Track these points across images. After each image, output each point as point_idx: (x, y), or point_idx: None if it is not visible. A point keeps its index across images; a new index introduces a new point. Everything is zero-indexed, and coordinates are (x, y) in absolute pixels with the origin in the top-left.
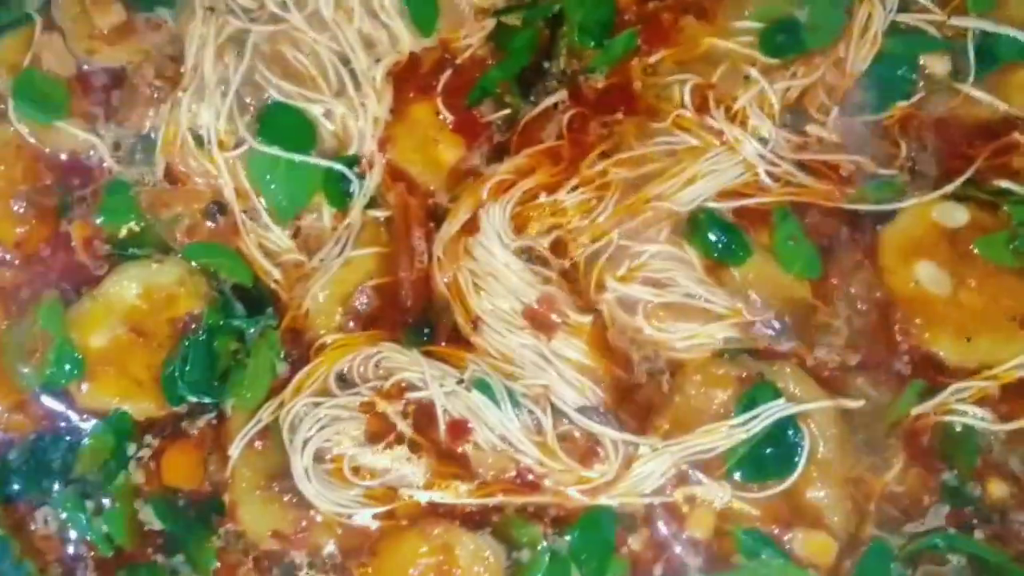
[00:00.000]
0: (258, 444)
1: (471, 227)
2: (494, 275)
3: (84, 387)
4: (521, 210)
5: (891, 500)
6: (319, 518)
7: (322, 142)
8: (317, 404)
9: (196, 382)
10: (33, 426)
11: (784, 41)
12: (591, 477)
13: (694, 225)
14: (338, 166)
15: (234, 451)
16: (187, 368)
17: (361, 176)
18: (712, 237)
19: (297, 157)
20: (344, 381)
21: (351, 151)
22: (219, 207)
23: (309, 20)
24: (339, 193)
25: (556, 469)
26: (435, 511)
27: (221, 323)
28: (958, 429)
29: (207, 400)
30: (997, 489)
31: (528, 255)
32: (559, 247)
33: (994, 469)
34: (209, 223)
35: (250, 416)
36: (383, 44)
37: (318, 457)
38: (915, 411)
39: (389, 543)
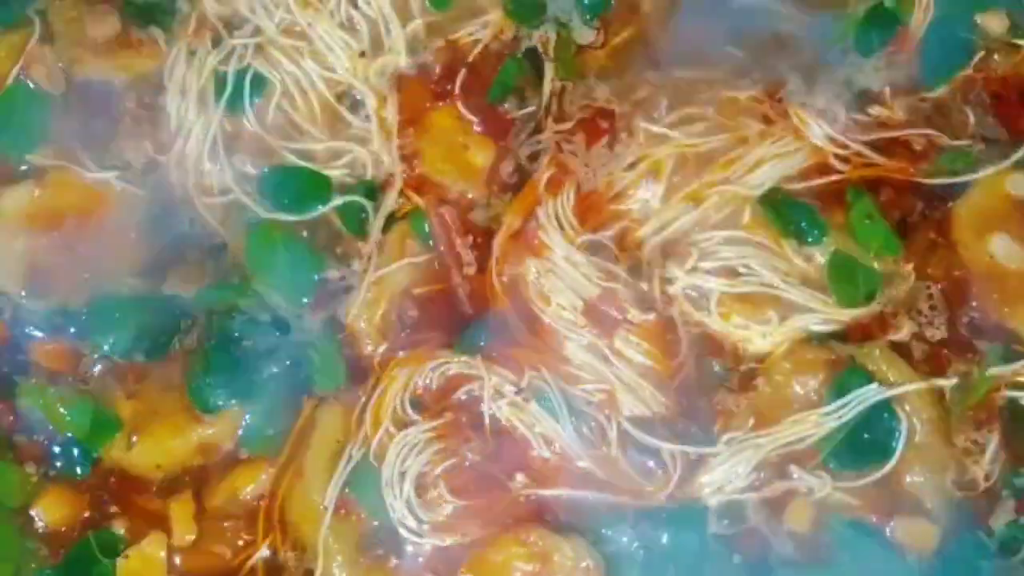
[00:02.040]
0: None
1: (529, 227)
2: (555, 272)
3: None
4: (579, 202)
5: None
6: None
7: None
8: (403, 431)
9: (225, 384)
10: None
11: (879, 32)
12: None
13: (766, 208)
14: (343, 200)
15: (330, 500)
16: (209, 376)
17: (375, 197)
18: (786, 218)
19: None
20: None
21: (368, 174)
22: (218, 244)
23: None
24: (357, 223)
25: (618, 484)
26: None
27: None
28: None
29: (236, 402)
30: None
31: (594, 250)
32: (626, 239)
33: None
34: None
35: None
36: (367, 41)
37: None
38: (991, 371)
39: (481, 552)
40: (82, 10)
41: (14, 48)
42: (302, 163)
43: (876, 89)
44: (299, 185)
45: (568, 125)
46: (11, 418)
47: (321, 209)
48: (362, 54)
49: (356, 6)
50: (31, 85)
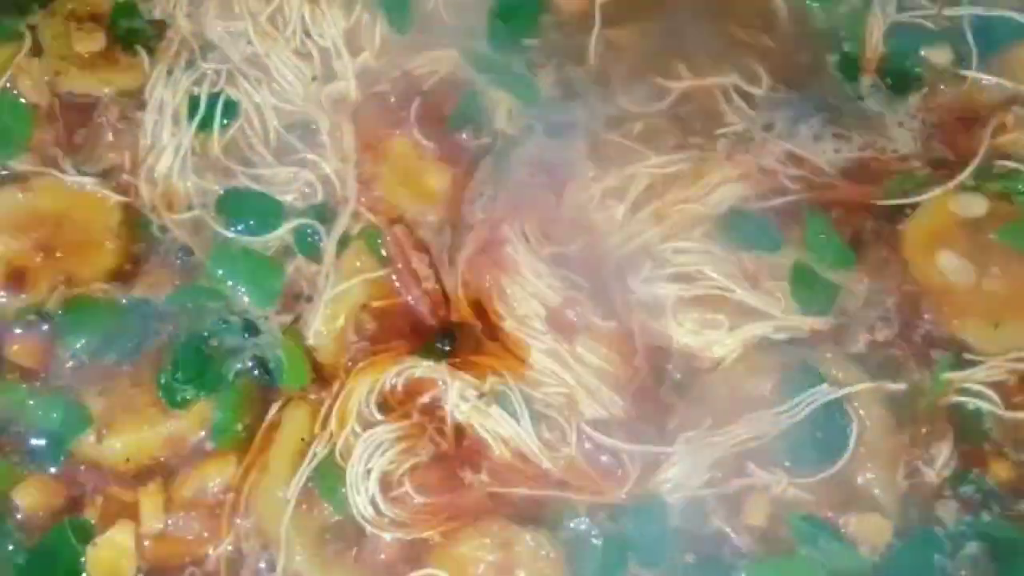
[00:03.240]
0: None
1: (495, 241)
2: (520, 283)
3: (109, 440)
4: (544, 216)
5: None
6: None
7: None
8: (369, 430)
9: (191, 379)
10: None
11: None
12: (611, 489)
13: (725, 223)
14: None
15: (292, 492)
16: (178, 372)
17: (329, 221)
18: (742, 232)
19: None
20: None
21: (319, 198)
22: (186, 250)
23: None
24: (310, 246)
25: (577, 483)
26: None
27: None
28: (970, 408)
29: (203, 393)
30: (1001, 470)
31: (559, 262)
32: (590, 252)
33: (996, 452)
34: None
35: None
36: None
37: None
38: (943, 376)
39: (445, 545)
40: (70, 26)
41: (2, 60)
42: (257, 187)
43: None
44: (253, 209)
45: None
46: None
47: (274, 233)
48: (314, 78)
49: (309, 35)
50: (17, 95)
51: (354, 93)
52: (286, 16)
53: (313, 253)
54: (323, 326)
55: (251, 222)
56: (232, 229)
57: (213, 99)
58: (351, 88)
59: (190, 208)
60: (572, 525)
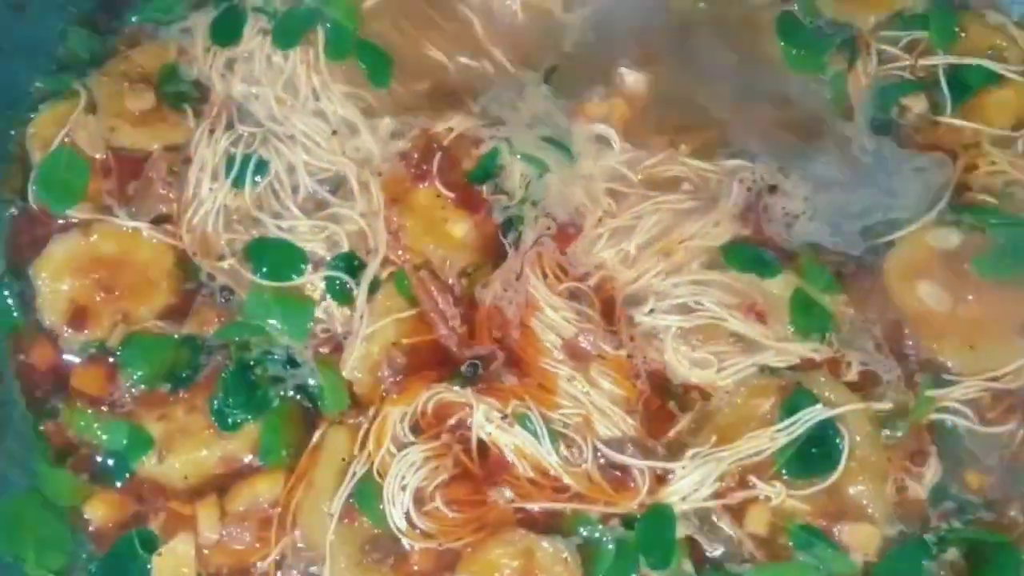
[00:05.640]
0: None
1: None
2: (539, 316)
3: (168, 461)
4: (560, 256)
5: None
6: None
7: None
8: (403, 449)
9: (240, 404)
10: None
11: None
12: (624, 500)
13: (725, 254)
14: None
15: (335, 507)
16: (229, 399)
17: (358, 269)
18: (742, 260)
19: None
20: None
21: (345, 247)
22: (229, 291)
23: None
24: (341, 292)
25: (594, 496)
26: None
27: (247, 356)
28: (948, 426)
29: (252, 417)
30: (976, 481)
31: (574, 296)
32: (603, 287)
33: (971, 465)
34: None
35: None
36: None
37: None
38: (928, 393)
39: (472, 554)
40: (122, 86)
41: (61, 116)
42: (283, 236)
43: None
44: (278, 256)
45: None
46: (62, 435)
47: (300, 279)
48: (334, 132)
49: (318, 99)
50: (74, 149)
51: (377, 151)
52: (297, 87)
53: (344, 298)
54: (359, 363)
55: (277, 268)
56: (259, 274)
57: (247, 158)
58: (373, 146)
59: (224, 256)
60: (586, 533)
